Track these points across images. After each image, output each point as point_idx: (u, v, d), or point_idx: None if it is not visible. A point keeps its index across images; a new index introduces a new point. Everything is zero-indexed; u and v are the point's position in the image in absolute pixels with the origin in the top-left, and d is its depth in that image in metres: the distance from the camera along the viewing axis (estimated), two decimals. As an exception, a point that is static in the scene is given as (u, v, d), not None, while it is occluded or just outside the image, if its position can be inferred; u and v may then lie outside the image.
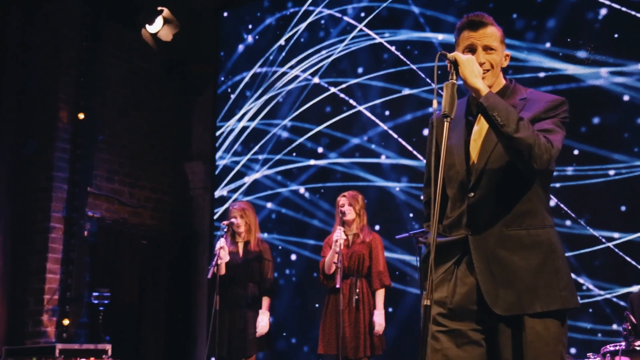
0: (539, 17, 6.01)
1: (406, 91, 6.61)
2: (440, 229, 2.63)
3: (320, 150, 7.11)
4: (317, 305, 6.55)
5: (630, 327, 4.24)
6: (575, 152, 5.68)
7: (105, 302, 6.27)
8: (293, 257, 7.13)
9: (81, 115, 6.83)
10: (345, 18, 7.12)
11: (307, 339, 6.82)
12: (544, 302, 2.42)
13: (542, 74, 5.89)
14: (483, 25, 2.62)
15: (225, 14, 8.06)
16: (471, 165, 2.57)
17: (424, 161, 2.84)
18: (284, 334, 7.03)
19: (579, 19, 5.85)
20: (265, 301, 5.51)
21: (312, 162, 7.14)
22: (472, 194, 2.54)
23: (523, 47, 5.98)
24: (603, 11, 5.73)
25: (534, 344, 2.41)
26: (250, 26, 7.82)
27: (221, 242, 5.41)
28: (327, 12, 7.27)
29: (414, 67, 6.57)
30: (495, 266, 2.46)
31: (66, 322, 6.47)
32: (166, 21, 7.12)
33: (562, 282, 2.47)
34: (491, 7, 6.16)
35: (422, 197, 2.90)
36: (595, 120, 5.71)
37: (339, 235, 5.14)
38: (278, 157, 7.38)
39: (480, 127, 2.60)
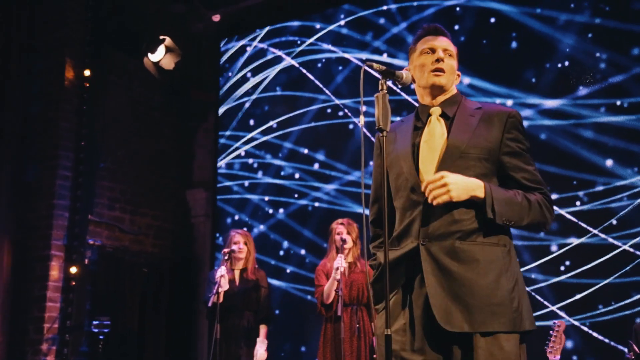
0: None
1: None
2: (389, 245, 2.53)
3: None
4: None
5: (634, 357, 4.20)
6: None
7: (106, 330, 6.22)
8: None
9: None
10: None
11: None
12: (496, 322, 2.32)
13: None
14: (443, 34, 2.66)
15: (225, 42, 8.11)
16: (421, 169, 2.51)
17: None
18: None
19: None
20: (263, 329, 5.47)
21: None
22: (425, 199, 2.44)
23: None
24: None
25: None
26: (249, 54, 7.87)
27: (222, 271, 5.38)
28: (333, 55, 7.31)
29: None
30: (447, 280, 2.37)
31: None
32: (168, 50, 7.16)
33: (515, 302, 2.38)
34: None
35: (369, 217, 2.81)
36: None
37: (339, 262, 5.10)
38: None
39: (431, 128, 2.56)
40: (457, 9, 6.50)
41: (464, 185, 2.39)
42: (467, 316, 2.33)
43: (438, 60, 2.58)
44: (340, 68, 7.16)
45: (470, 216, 2.43)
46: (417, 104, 2.72)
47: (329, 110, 7.17)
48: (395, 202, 2.58)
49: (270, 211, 7.39)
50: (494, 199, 2.39)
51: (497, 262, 2.41)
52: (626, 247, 5.28)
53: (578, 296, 5.42)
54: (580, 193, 5.57)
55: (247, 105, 7.81)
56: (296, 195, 7.25)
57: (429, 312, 2.38)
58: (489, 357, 2.31)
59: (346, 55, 7.14)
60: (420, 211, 2.46)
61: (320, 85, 7.24)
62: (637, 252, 5.25)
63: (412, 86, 2.68)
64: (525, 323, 2.39)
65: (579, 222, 5.51)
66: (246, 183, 7.64)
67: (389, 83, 2.53)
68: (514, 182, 2.51)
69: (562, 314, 5.40)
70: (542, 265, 5.56)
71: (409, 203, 2.50)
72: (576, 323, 5.37)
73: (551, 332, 4.36)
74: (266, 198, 7.45)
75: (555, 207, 2.61)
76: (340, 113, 7.09)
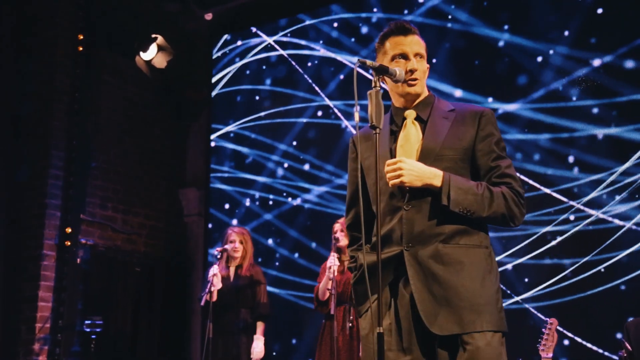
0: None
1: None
2: (368, 250, 2.54)
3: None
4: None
5: (626, 355, 4.21)
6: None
7: (98, 330, 6.20)
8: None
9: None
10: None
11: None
12: (485, 321, 2.35)
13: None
14: (412, 32, 2.61)
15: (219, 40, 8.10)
16: None
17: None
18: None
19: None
20: (260, 326, 5.46)
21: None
22: (408, 204, 2.46)
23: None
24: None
25: (475, 358, 2.32)
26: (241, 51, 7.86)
27: (214, 269, 5.38)
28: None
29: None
30: (433, 284, 2.38)
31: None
32: (160, 48, 7.15)
33: (499, 303, 2.43)
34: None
35: (345, 221, 2.82)
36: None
37: (332, 262, 5.13)
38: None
39: (407, 133, 2.56)
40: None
41: (419, 172, 2.41)
42: (455, 318, 2.35)
43: (412, 71, 2.56)
44: (332, 69, 7.16)
45: (451, 219, 2.44)
46: None
47: (319, 113, 7.17)
48: (373, 207, 2.57)
49: (261, 211, 7.39)
50: (450, 187, 2.40)
51: (480, 263, 2.44)
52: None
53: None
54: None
55: (238, 99, 7.80)
56: (285, 194, 7.26)
57: (414, 312, 2.40)
58: (477, 352, 2.33)
59: (338, 57, 7.14)
60: (400, 216, 2.47)
61: (312, 82, 7.24)
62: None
63: (384, 85, 2.65)
64: (505, 324, 2.44)
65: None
66: (239, 181, 7.63)
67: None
68: (485, 179, 2.52)
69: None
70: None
71: (389, 208, 2.51)
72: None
73: (543, 330, 4.37)
74: (257, 195, 7.44)
75: None
76: (327, 111, 7.09)
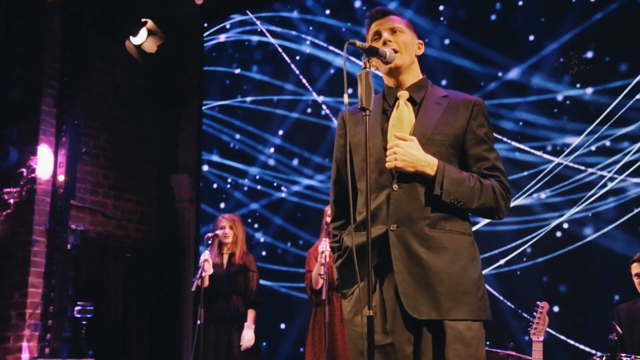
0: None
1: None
2: (353, 227, 2.52)
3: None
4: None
5: (616, 338, 4.21)
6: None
7: (89, 316, 6.16)
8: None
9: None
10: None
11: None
12: (464, 310, 2.36)
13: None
14: (388, 14, 2.62)
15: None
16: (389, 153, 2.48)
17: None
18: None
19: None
20: (251, 314, 5.45)
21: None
22: (397, 185, 2.46)
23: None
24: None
25: (454, 344, 2.33)
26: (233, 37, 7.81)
27: (205, 255, 5.36)
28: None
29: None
30: (415, 266, 2.38)
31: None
32: (150, 33, 7.08)
33: (480, 291, 2.42)
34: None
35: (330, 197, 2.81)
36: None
37: (324, 246, 5.08)
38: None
39: (399, 113, 2.55)
40: None
41: (413, 159, 2.40)
42: (434, 304, 2.35)
43: (385, 43, 2.56)
44: (321, 57, 7.12)
45: (438, 204, 2.43)
46: None
47: (308, 110, 7.14)
48: (359, 184, 2.57)
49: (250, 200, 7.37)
50: (444, 177, 2.40)
51: (464, 250, 2.44)
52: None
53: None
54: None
55: (227, 81, 7.76)
56: (275, 184, 7.24)
57: (399, 295, 2.39)
58: (458, 337, 2.34)
59: (325, 45, 7.11)
60: (387, 195, 2.46)
61: (299, 74, 7.20)
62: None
63: (378, 72, 2.66)
64: (487, 312, 2.44)
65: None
66: (231, 169, 7.60)
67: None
68: (474, 168, 2.53)
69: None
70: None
71: (376, 186, 2.49)
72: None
73: (534, 313, 4.36)
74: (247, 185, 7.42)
75: None
76: (310, 104, 7.06)
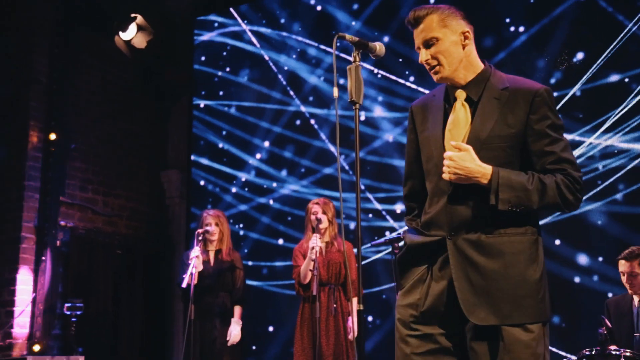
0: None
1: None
2: (418, 225, 2.56)
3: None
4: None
5: (605, 332, 4.23)
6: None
7: (78, 312, 6.14)
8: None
9: (52, 136, 6.71)
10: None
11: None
12: (523, 314, 2.35)
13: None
14: (418, 22, 2.52)
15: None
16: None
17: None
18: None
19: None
20: (237, 310, 5.46)
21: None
22: (453, 190, 2.44)
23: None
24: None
25: (512, 346, 2.33)
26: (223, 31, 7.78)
27: (196, 251, 5.34)
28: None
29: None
30: (473, 273, 2.38)
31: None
32: (140, 28, 7.05)
33: (540, 293, 2.39)
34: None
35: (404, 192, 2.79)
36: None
37: (315, 242, 5.07)
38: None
39: (456, 116, 2.50)
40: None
41: (466, 171, 2.38)
42: (493, 309, 2.35)
43: (427, 62, 2.51)
44: (313, 59, 7.11)
45: (495, 209, 2.39)
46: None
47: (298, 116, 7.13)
48: (426, 183, 2.58)
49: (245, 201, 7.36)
50: (499, 185, 2.36)
51: (524, 253, 2.41)
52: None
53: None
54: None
55: (217, 79, 7.74)
56: (265, 186, 7.23)
57: (448, 295, 2.42)
58: (515, 339, 2.34)
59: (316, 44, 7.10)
60: (446, 201, 2.46)
61: (288, 75, 7.20)
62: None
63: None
64: (547, 312, 2.42)
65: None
66: (223, 165, 7.59)
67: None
68: (537, 166, 2.45)
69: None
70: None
71: (437, 189, 2.50)
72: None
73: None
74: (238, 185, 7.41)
75: None
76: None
